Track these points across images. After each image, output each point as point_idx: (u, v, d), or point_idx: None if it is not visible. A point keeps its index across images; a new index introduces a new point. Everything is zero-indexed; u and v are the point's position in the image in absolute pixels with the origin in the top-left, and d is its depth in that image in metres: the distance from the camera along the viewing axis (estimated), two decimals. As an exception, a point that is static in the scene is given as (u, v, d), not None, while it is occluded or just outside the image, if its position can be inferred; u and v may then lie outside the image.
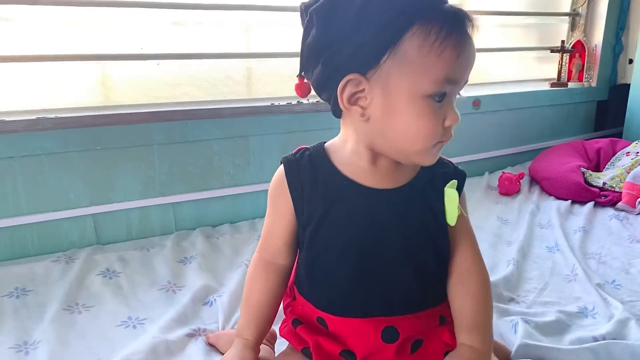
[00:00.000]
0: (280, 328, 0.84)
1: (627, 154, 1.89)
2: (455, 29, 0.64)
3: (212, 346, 0.96)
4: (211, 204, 1.51)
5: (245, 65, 1.64)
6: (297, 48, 0.71)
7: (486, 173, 1.96)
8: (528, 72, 2.32)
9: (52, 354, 0.91)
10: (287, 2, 1.59)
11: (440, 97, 0.65)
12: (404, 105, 0.65)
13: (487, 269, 1.18)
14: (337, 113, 0.73)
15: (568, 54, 2.23)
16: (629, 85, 2.16)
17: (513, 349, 0.93)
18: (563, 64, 2.22)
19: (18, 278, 1.17)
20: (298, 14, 0.71)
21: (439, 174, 0.77)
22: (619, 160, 1.89)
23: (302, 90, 0.73)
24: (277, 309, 0.82)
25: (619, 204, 1.65)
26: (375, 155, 0.73)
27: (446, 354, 0.76)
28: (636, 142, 1.92)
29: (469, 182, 1.74)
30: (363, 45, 0.65)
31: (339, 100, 0.68)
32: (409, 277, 0.75)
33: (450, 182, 0.75)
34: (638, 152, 1.86)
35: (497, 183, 1.83)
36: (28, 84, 1.33)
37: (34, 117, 1.25)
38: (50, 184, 1.30)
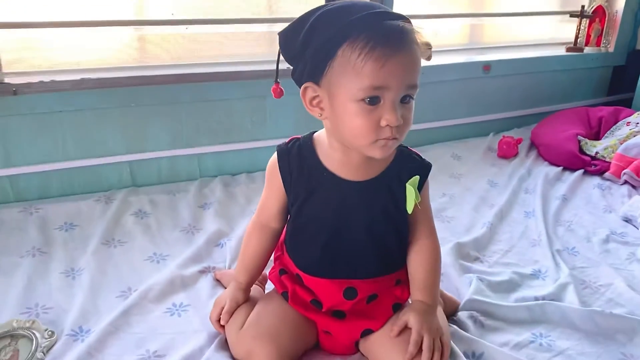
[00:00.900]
0: (269, 272, 1.06)
1: (628, 123, 1.98)
2: (381, 43, 0.76)
3: (218, 281, 1.19)
4: (231, 156, 1.71)
5: (268, 29, 1.78)
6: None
7: (490, 134, 2.09)
8: (548, 34, 2.38)
9: (92, 280, 1.16)
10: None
11: (373, 101, 0.79)
12: (342, 108, 0.82)
13: (464, 230, 1.39)
14: None
15: (587, 18, 2.27)
16: (646, 52, 2.21)
17: (462, 303, 1.13)
18: (581, 28, 2.27)
19: (67, 214, 1.41)
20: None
21: (406, 169, 0.93)
22: (619, 129, 1.98)
23: (276, 93, 0.91)
24: (267, 261, 1.04)
25: (606, 174, 1.78)
26: (346, 149, 0.89)
27: (395, 305, 0.97)
28: (639, 112, 2.00)
29: (470, 143, 1.91)
30: (309, 60, 0.81)
31: (303, 103, 0.86)
32: (370, 251, 0.95)
33: (412, 178, 0.91)
34: (638, 123, 1.95)
35: (497, 146, 1.96)
36: (75, 47, 1.53)
37: (79, 77, 1.45)
38: (93, 134, 1.52)
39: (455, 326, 1.05)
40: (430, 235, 1.00)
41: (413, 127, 2.06)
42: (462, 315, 1.09)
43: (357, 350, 0.99)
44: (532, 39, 2.33)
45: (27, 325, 1.00)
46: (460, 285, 1.20)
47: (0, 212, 1.39)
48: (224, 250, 1.31)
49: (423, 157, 0.97)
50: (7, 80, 1.40)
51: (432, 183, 1.69)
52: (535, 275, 1.27)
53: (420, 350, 0.89)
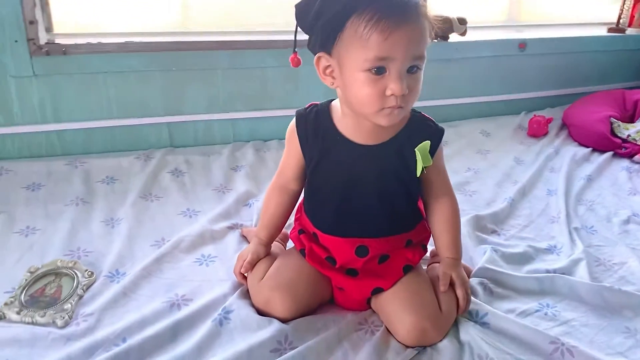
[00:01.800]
0: (290, 232, 1.14)
1: (665, 107, 1.95)
2: (386, 16, 0.81)
3: (244, 237, 1.27)
4: (264, 122, 1.78)
5: None
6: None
7: (522, 113, 2.09)
8: (592, 14, 2.34)
9: (130, 229, 1.26)
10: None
11: (379, 71, 0.84)
12: (350, 77, 0.87)
13: (485, 204, 1.43)
14: None
15: (632, -1, 2.22)
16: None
17: (474, 270, 1.18)
18: (625, 9, 2.23)
19: (109, 168, 1.51)
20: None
21: (418, 134, 0.97)
22: (655, 113, 1.96)
23: (293, 62, 0.96)
24: (286, 220, 1.12)
25: (636, 157, 1.77)
26: (358, 116, 0.94)
27: (406, 266, 1.03)
28: (677, 97, 1.97)
29: (501, 121, 1.94)
30: (320, 31, 0.87)
31: (317, 71, 0.91)
32: (381, 211, 1.00)
33: (422, 143, 0.95)
34: (675, 108, 1.92)
35: (527, 125, 1.97)
36: (121, 10, 1.61)
37: (123, 40, 1.54)
38: (135, 95, 1.61)
39: (467, 292, 1.10)
40: (448, 192, 1.06)
41: (445, 101, 2.11)
42: (473, 281, 1.14)
43: (369, 307, 1.05)
44: (573, 18, 2.29)
45: (70, 265, 1.10)
46: (474, 254, 1.24)
47: (48, 164, 1.50)
48: (251, 209, 1.39)
49: (437, 123, 1.01)
50: (57, 40, 1.50)
51: (458, 157, 1.76)
52: (550, 250, 1.31)
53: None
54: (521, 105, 2.14)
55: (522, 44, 2.04)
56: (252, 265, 1.06)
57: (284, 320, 0.98)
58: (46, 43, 1.47)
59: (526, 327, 1.01)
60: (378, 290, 1.01)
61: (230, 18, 1.75)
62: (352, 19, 0.84)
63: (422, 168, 0.96)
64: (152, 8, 1.65)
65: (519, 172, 1.69)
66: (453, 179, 1.57)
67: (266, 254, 1.09)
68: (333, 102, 1.01)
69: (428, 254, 1.17)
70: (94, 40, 1.51)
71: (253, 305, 1.03)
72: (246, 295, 1.05)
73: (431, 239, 1.09)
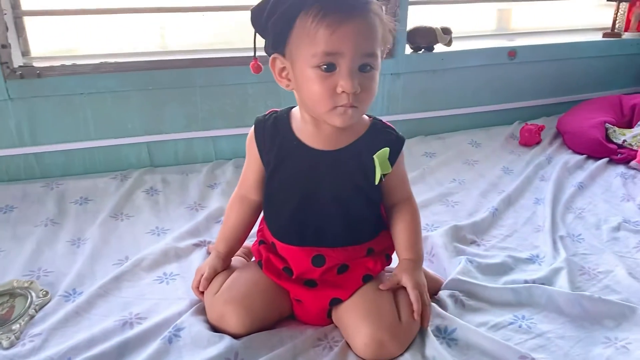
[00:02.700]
0: (252, 244, 1.10)
1: (663, 111, 1.88)
2: (332, 10, 0.80)
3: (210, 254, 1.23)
4: (245, 139, 1.75)
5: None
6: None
7: (515, 122, 2.03)
8: (586, 20, 2.29)
9: (94, 249, 1.23)
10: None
11: (329, 68, 0.82)
12: (301, 75, 0.85)
13: (467, 214, 1.39)
14: None
15: (627, 2, 2.16)
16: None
17: (445, 282, 1.12)
18: (619, 13, 2.17)
19: (84, 189, 1.50)
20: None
21: (378, 141, 0.94)
22: (653, 117, 1.89)
23: (254, 68, 0.94)
24: (247, 233, 1.08)
25: (632, 163, 1.70)
26: (317, 120, 0.92)
27: (365, 276, 0.98)
28: (676, 100, 1.90)
29: (492, 131, 1.91)
30: (272, 31, 0.85)
31: (272, 74, 0.89)
32: (338, 220, 0.97)
33: (380, 150, 0.92)
34: (674, 111, 1.85)
35: (519, 134, 1.91)
36: (95, 33, 1.62)
37: (98, 61, 1.54)
38: (112, 116, 1.61)
39: (434, 304, 1.05)
40: (408, 198, 1.03)
41: (434, 114, 2.07)
42: (443, 294, 1.08)
43: (331, 321, 1.01)
44: (565, 25, 2.24)
45: (25, 285, 1.08)
46: (448, 266, 1.19)
47: (25, 187, 1.49)
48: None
49: (398, 131, 0.98)
50: (32, 64, 1.51)
51: (443, 169, 1.71)
52: (531, 259, 1.24)
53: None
54: (515, 115, 2.08)
55: (512, 52, 1.99)
56: (209, 280, 1.02)
57: (239, 336, 0.94)
58: (20, 66, 1.48)
59: (495, 341, 0.95)
60: (336, 301, 0.97)
61: (207, 37, 1.74)
62: (301, 15, 0.83)
63: (381, 175, 0.92)
64: (127, 30, 1.65)
65: (506, 181, 1.63)
66: (436, 191, 1.55)
67: (224, 268, 1.05)
68: (293, 109, 0.99)
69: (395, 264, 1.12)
70: (68, 62, 1.52)
71: (208, 321, 0.99)
72: (202, 311, 1.02)
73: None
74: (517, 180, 1.61)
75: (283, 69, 0.90)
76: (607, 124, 1.86)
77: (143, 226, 1.35)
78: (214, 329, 0.96)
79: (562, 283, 1.13)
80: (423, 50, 1.90)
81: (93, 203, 1.44)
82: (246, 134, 1.74)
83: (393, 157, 0.94)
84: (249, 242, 1.19)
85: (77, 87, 1.54)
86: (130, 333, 0.96)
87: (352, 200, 0.97)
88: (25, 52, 1.56)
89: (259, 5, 0.88)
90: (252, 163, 1.02)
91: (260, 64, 0.94)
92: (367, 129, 0.96)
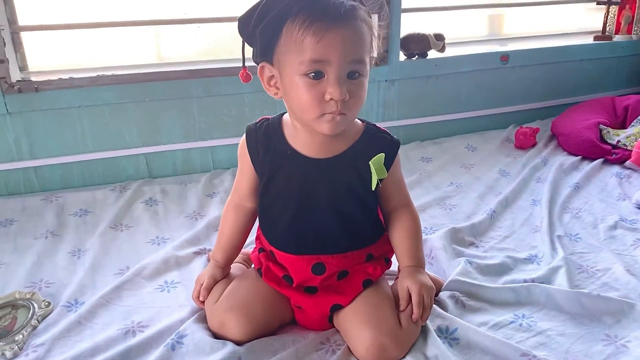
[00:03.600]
0: (251, 252, 1.10)
1: (656, 111, 1.90)
2: (319, 18, 0.80)
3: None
4: (242, 148, 1.77)
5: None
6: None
7: (510, 126, 2.05)
8: (577, 24, 2.32)
9: (94, 259, 1.24)
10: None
11: (317, 75, 0.83)
12: (290, 83, 0.86)
13: (465, 217, 1.39)
14: None
15: (616, 6, 2.19)
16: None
17: (445, 283, 1.13)
18: (609, 16, 2.20)
19: (83, 201, 1.50)
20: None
21: (373, 146, 0.95)
22: (646, 118, 1.90)
23: (243, 77, 0.95)
24: (244, 240, 1.09)
25: (627, 162, 1.71)
26: (309, 128, 0.92)
27: (365, 281, 0.98)
28: (668, 100, 1.92)
29: (487, 135, 1.92)
30: (259, 39, 0.86)
31: (261, 82, 0.90)
32: (337, 227, 0.97)
33: (376, 156, 0.93)
34: (667, 111, 1.87)
35: (514, 137, 1.93)
36: (91, 46, 1.63)
37: (95, 74, 1.55)
38: (110, 128, 1.62)
39: (434, 305, 1.05)
40: (406, 204, 1.03)
41: (429, 119, 2.08)
42: (443, 295, 1.09)
43: (332, 325, 1.01)
44: (557, 29, 2.27)
45: (28, 296, 1.08)
46: (447, 268, 1.19)
47: (24, 200, 1.50)
48: (222, 234, 1.36)
49: (392, 135, 0.99)
50: (30, 78, 1.52)
51: (440, 173, 1.72)
52: (530, 259, 1.25)
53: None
54: (509, 119, 2.10)
55: (505, 57, 2.01)
56: (209, 290, 1.03)
57: (240, 343, 0.94)
58: (18, 81, 1.49)
59: (496, 340, 0.96)
60: (337, 307, 0.97)
61: (203, 49, 1.76)
62: (287, 23, 0.83)
63: (377, 181, 0.93)
64: (123, 43, 1.67)
65: (503, 184, 1.64)
66: (434, 194, 1.56)
67: (223, 276, 1.05)
68: (285, 116, 0.99)
69: (396, 268, 1.13)
70: (65, 76, 1.53)
71: (210, 329, 0.99)
72: (204, 319, 1.02)
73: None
74: (513, 183, 1.62)
75: (271, 77, 0.90)
76: (601, 125, 1.88)
77: (143, 236, 1.35)
78: (216, 337, 0.96)
79: (560, 281, 1.14)
80: (417, 56, 1.92)
81: (92, 215, 1.45)
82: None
83: (388, 162, 0.95)
84: (248, 248, 1.21)
85: (75, 100, 1.55)
86: (132, 341, 0.96)
87: (350, 207, 0.97)
88: (23, 67, 1.57)
89: (245, 13, 0.89)
90: (245, 172, 1.02)
91: (249, 72, 0.96)
92: (361, 134, 0.96)
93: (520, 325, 1.03)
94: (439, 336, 0.97)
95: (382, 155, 0.93)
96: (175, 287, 1.14)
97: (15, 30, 1.52)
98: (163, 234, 1.36)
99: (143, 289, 1.14)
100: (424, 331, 0.97)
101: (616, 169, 1.71)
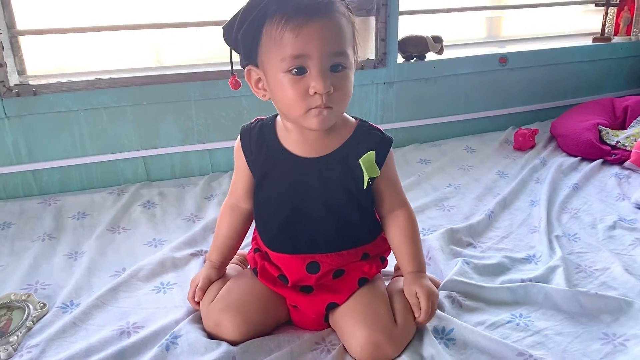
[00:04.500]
0: (247, 252, 1.10)
1: (656, 112, 1.89)
2: (294, 14, 0.81)
3: (207, 264, 1.23)
4: (240, 151, 1.77)
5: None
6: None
7: (509, 128, 2.04)
8: (576, 26, 2.32)
9: (91, 261, 1.24)
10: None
11: (300, 71, 0.83)
12: (274, 82, 0.86)
13: (463, 218, 1.39)
14: None
15: (615, 7, 2.19)
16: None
17: (442, 283, 1.12)
18: (608, 17, 2.20)
19: (81, 204, 1.51)
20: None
21: (364, 144, 0.95)
22: (646, 118, 1.90)
23: (232, 84, 0.96)
24: (241, 241, 1.08)
25: (626, 163, 1.71)
26: (301, 128, 0.93)
27: (361, 279, 0.98)
28: (667, 100, 1.91)
29: (487, 137, 1.92)
30: (242, 43, 0.87)
31: (249, 86, 0.90)
32: (331, 225, 0.97)
33: (366, 154, 0.93)
34: (666, 111, 1.86)
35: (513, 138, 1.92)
36: (89, 50, 1.64)
37: (93, 77, 1.56)
38: (108, 131, 1.62)
39: (434, 307, 1.05)
40: (402, 205, 1.02)
41: (428, 121, 2.08)
42: (440, 294, 1.08)
43: (328, 325, 1.01)
44: (556, 31, 2.27)
45: (23, 298, 1.08)
46: (445, 268, 1.18)
47: (22, 203, 1.50)
48: (220, 236, 1.36)
49: (384, 132, 0.99)
50: (28, 82, 1.53)
51: (439, 174, 1.72)
52: (527, 259, 1.25)
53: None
54: (508, 120, 2.09)
55: (503, 59, 2.01)
56: (204, 290, 1.02)
57: (236, 343, 0.94)
58: (16, 84, 1.50)
59: (493, 339, 0.95)
60: (333, 306, 0.97)
61: (202, 52, 1.76)
62: (266, 24, 0.85)
63: (369, 179, 0.93)
64: (121, 46, 1.67)
65: (502, 185, 1.63)
66: (432, 196, 1.56)
67: (219, 277, 1.05)
68: (279, 116, 0.99)
69: (392, 268, 1.13)
70: (63, 80, 1.53)
71: (205, 330, 0.99)
72: (199, 319, 1.02)
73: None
74: (512, 184, 1.61)
75: (258, 79, 0.91)
76: (600, 126, 1.87)
77: (140, 238, 1.35)
78: (211, 337, 0.96)
79: (558, 281, 1.13)
80: (415, 58, 1.92)
81: (90, 218, 1.45)
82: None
83: (380, 160, 0.94)
84: (245, 249, 1.20)
85: (73, 103, 1.55)
86: (127, 342, 0.96)
87: (343, 206, 0.97)
88: (21, 71, 1.58)
89: (228, 22, 0.91)
90: (240, 172, 1.02)
91: (238, 80, 0.97)
92: (352, 132, 0.96)
93: (517, 324, 1.02)
94: (435, 337, 0.97)
95: (373, 153, 0.93)
96: (171, 288, 1.14)
97: (13, 35, 1.53)
98: (160, 236, 1.36)
99: (139, 290, 1.13)
100: (420, 331, 0.97)
101: (615, 169, 1.70)
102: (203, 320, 0.99)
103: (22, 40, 1.56)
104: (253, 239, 1.09)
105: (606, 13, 2.19)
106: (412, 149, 1.90)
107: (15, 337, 0.97)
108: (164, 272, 1.20)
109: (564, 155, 1.83)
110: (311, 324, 1.01)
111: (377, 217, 1.05)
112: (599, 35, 2.22)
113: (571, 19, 2.32)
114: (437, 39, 1.88)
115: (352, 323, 0.92)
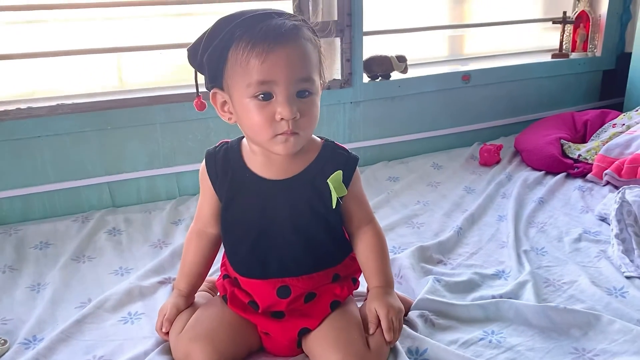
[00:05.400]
0: (217, 279, 1.08)
1: (614, 125, 1.95)
2: (260, 40, 0.81)
3: (176, 291, 1.21)
4: (208, 174, 1.75)
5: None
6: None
7: (475, 144, 2.07)
8: (535, 43, 2.38)
9: (55, 293, 1.20)
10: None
11: (266, 97, 0.83)
12: (240, 107, 0.86)
13: (432, 235, 1.39)
14: None
15: (571, 24, 2.26)
16: (633, 54, 2.18)
17: (414, 302, 1.12)
18: (566, 34, 2.27)
19: (44, 234, 1.46)
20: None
21: (331, 164, 0.95)
22: (605, 132, 1.95)
23: (197, 106, 0.95)
24: (208, 268, 1.07)
25: (588, 176, 1.75)
26: (266, 150, 0.92)
27: (333, 302, 0.97)
28: (624, 113, 1.97)
29: (452, 153, 1.93)
30: (207, 66, 0.87)
31: (215, 109, 0.90)
32: (299, 247, 0.96)
33: (334, 174, 0.92)
34: (624, 124, 1.92)
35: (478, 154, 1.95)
36: (51, 75, 1.61)
37: (54, 103, 1.53)
38: (71, 157, 1.58)
39: (404, 325, 1.04)
40: (370, 221, 1.02)
41: (395, 139, 2.09)
42: (413, 314, 1.08)
43: (302, 351, 0.99)
44: (516, 48, 2.33)
45: (-18, 335, 1.03)
46: (416, 287, 1.19)
47: (-19, 235, 1.45)
48: (188, 262, 1.33)
49: (350, 151, 0.99)
50: (-15, 109, 1.48)
51: (407, 191, 1.72)
52: (497, 275, 1.26)
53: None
54: (473, 136, 2.12)
55: (466, 76, 2.05)
56: (171, 320, 1.00)
57: (206, 374, 0.92)
58: (-27, 112, 1.45)
59: (466, 358, 0.95)
60: (305, 331, 0.96)
61: (166, 74, 1.75)
62: (232, 48, 0.84)
63: (337, 199, 0.93)
64: (83, 71, 1.64)
65: (469, 200, 1.65)
66: (401, 213, 1.56)
67: (187, 306, 1.03)
68: (244, 139, 0.98)
69: (364, 289, 1.12)
70: (23, 106, 1.50)
71: (174, 361, 0.96)
72: (169, 351, 0.99)
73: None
74: (479, 199, 1.63)
75: (224, 102, 0.91)
76: (562, 140, 1.92)
77: (106, 267, 1.32)
78: (181, 368, 0.94)
79: (528, 296, 1.14)
80: (380, 78, 1.94)
81: (54, 247, 1.41)
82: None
83: (347, 179, 0.94)
84: (214, 276, 1.18)
85: (34, 130, 1.51)
86: (93, 377, 0.93)
87: (312, 227, 0.96)
88: (-21, 98, 1.53)
89: (193, 44, 0.90)
90: (206, 196, 1.01)
91: (203, 101, 0.96)
92: (318, 152, 0.96)
93: (490, 341, 1.03)
94: (409, 357, 0.97)
95: (340, 172, 0.93)
96: (139, 318, 1.11)
97: (-30, 61, 1.49)
98: (127, 264, 1.33)
99: (106, 321, 1.10)
100: (395, 353, 0.97)
101: (578, 182, 1.74)
102: (172, 352, 0.97)
103: (-20, 66, 1.52)
104: (222, 265, 1.07)
105: (563, 30, 2.26)
106: (381, 166, 1.91)
107: (-26, 378, 0.93)
108: (131, 301, 1.16)
109: (529, 169, 1.86)
110: (284, 351, 0.99)
111: (347, 236, 1.04)
112: (557, 52, 2.28)
113: (530, 36, 2.38)
114: (401, 59, 1.91)
115: (326, 348, 0.91)
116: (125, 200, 1.67)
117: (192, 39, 0.90)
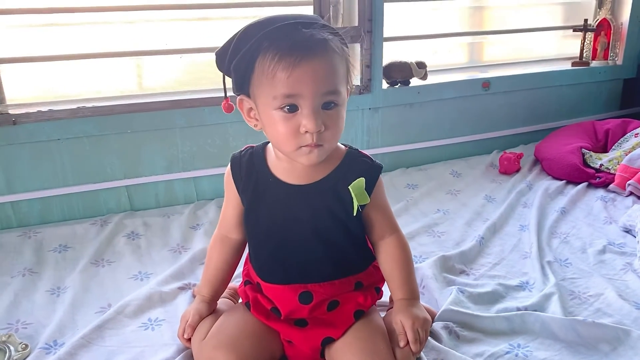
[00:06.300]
0: (239, 286, 1.07)
1: (636, 135, 1.92)
2: (287, 53, 0.80)
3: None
4: (227, 178, 1.74)
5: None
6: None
7: (494, 152, 2.05)
8: (555, 50, 2.36)
9: (75, 297, 1.19)
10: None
11: (292, 109, 0.83)
12: (266, 117, 0.86)
13: (454, 244, 1.37)
14: None
15: (592, 32, 2.24)
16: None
17: (437, 313, 1.10)
18: (586, 42, 2.24)
19: (63, 237, 1.46)
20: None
21: (354, 171, 0.94)
22: (627, 141, 1.92)
23: (225, 108, 0.94)
24: (231, 274, 1.06)
25: (611, 186, 1.72)
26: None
27: (357, 312, 0.96)
28: (647, 123, 1.95)
29: (472, 161, 1.90)
30: (234, 74, 0.86)
31: (242, 114, 0.89)
32: (321, 253, 0.95)
33: (356, 181, 0.91)
34: (647, 134, 1.89)
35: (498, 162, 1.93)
36: (71, 78, 1.61)
37: (75, 106, 1.53)
38: (90, 160, 1.58)
39: (429, 337, 1.02)
40: (394, 231, 1.01)
41: (413, 146, 2.08)
42: (437, 325, 1.07)
43: (324, 359, 0.98)
44: (536, 55, 2.31)
45: (3, 339, 1.03)
46: (439, 297, 1.17)
47: (1, 237, 1.45)
48: (208, 267, 1.32)
49: (374, 160, 0.98)
50: (8, 111, 1.48)
51: (427, 199, 1.71)
52: (521, 286, 1.24)
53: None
54: (492, 144, 2.10)
55: (486, 83, 2.03)
56: (194, 327, 0.99)
57: (230, 382, 0.90)
58: (-5, 114, 1.46)
59: (493, 372, 0.93)
60: (328, 340, 0.94)
61: (186, 79, 1.74)
62: (259, 59, 0.83)
63: (359, 206, 0.92)
64: (105, 74, 1.64)
65: (490, 209, 1.63)
66: (421, 222, 1.54)
67: (210, 312, 1.02)
68: (269, 144, 0.98)
69: (387, 298, 1.10)
70: (44, 108, 1.50)
71: (197, 369, 0.95)
72: (190, 358, 0.99)
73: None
74: (500, 208, 1.61)
75: (250, 109, 0.90)
76: (583, 149, 1.89)
77: (125, 271, 1.31)
78: (204, 377, 0.92)
79: (554, 309, 1.12)
80: (399, 84, 1.92)
81: (72, 250, 1.40)
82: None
83: (369, 186, 0.93)
84: (235, 282, 1.17)
85: (54, 132, 1.51)
86: (115, 384, 0.92)
87: (332, 233, 0.95)
88: (1, 100, 1.53)
89: (221, 48, 0.90)
90: (231, 201, 1.00)
91: (231, 103, 0.95)
92: (342, 159, 0.95)
93: (517, 355, 1.01)
94: (433, 370, 0.95)
95: (362, 179, 0.92)
96: (159, 324, 1.10)
97: (-8, 63, 1.49)
98: (146, 268, 1.32)
99: (126, 327, 1.09)
100: (420, 365, 0.95)
101: (600, 192, 1.72)
102: (195, 359, 0.96)
103: (1, 68, 1.52)
104: (244, 271, 1.06)
105: (584, 38, 2.24)
106: (399, 173, 1.90)
107: (-4, 382, 0.92)
108: (151, 307, 1.16)
109: (550, 178, 1.84)
110: (306, 359, 0.98)
111: (370, 245, 1.03)
112: (577, 60, 2.26)
113: (550, 43, 2.35)
114: (421, 65, 1.89)
115: (350, 359, 0.90)
116: (143, 204, 1.67)
117: (211, 43, 0.90)
